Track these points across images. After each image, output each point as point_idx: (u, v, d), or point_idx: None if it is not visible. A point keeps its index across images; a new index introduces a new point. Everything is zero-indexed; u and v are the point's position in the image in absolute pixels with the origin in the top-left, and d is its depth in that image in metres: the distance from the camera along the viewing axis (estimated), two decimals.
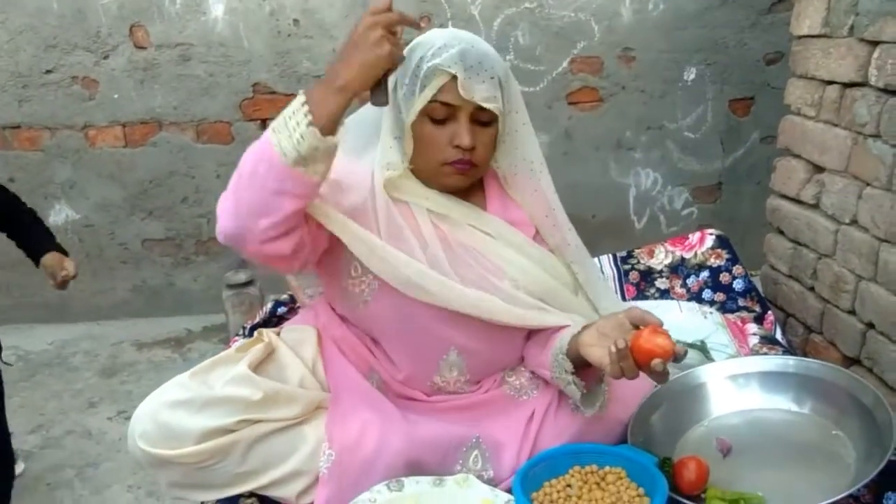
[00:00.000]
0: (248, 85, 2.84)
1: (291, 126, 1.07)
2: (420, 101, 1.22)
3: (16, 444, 2.26)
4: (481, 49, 1.24)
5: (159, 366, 2.74)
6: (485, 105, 1.21)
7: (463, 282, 1.29)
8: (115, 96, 2.81)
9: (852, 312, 1.67)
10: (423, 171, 1.30)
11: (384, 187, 1.28)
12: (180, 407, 1.17)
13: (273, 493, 1.25)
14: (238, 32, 2.78)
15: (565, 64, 2.96)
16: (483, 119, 1.24)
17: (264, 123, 2.89)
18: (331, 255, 1.30)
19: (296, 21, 2.78)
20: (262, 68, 2.82)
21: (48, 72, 2.76)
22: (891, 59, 1.50)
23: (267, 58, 2.81)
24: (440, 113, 1.23)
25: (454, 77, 1.20)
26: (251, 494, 1.24)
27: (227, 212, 1.14)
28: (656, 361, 1.08)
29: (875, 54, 1.56)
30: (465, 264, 1.31)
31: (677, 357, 1.08)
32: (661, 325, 1.12)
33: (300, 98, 1.09)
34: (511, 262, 1.34)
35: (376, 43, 1.07)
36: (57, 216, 2.93)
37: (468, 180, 1.31)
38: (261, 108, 2.87)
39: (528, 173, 1.36)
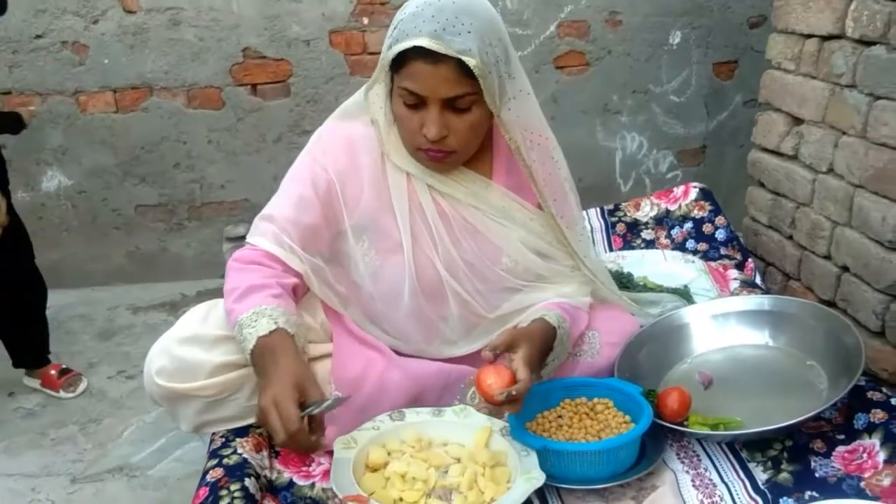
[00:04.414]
0: (237, 49, 2.85)
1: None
2: (394, 83, 1.21)
3: (19, 401, 2.32)
4: (462, 3, 1.16)
5: (155, 328, 2.78)
6: (462, 57, 1.12)
7: (459, 260, 1.33)
8: (106, 61, 2.81)
9: (828, 257, 1.75)
10: (406, 149, 1.29)
11: (385, 154, 1.30)
12: (194, 342, 1.23)
13: None
14: None
15: (552, 28, 2.99)
16: (460, 105, 1.19)
17: (255, 88, 2.91)
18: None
19: None
20: (252, 33, 2.83)
21: (38, 37, 2.75)
22: (866, 10, 1.56)
23: (256, 22, 2.82)
24: (410, 99, 1.19)
25: (423, 54, 1.13)
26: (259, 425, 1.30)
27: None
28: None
29: (851, 6, 1.62)
30: (462, 244, 1.33)
31: (494, 402, 1.15)
32: (512, 363, 1.18)
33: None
34: (511, 243, 1.35)
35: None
36: (49, 182, 2.94)
37: (447, 167, 1.29)
38: (251, 72, 2.89)
39: (531, 145, 1.31)
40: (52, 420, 2.22)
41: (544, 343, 1.28)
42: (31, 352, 2.36)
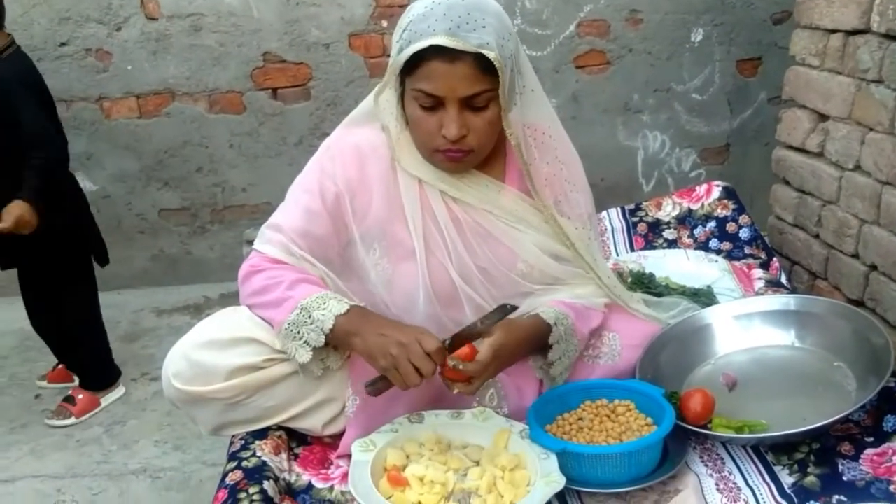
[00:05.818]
0: (258, 54, 2.88)
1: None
2: (406, 86, 1.20)
3: (45, 403, 2.35)
4: (470, 0, 1.15)
5: (179, 331, 2.77)
6: (482, 51, 1.11)
7: (473, 266, 1.31)
8: (129, 68, 2.86)
9: (856, 256, 1.71)
10: (420, 152, 1.28)
11: (396, 160, 1.29)
12: (211, 346, 1.23)
13: (299, 424, 1.31)
14: (247, 2, 2.81)
15: (572, 27, 2.97)
16: (477, 104, 1.17)
17: (275, 92, 2.94)
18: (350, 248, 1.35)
19: None
20: (272, 37, 2.86)
21: (62, 44, 2.80)
22: (892, 4, 1.53)
23: (276, 27, 2.84)
24: (426, 101, 1.18)
25: (439, 53, 1.12)
26: (279, 427, 1.31)
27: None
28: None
29: (877, 1, 1.58)
30: (476, 250, 1.31)
31: (445, 373, 1.18)
32: (476, 351, 1.18)
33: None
34: (526, 247, 1.33)
35: (396, 370, 1.14)
36: None
37: (465, 167, 1.28)
38: (271, 76, 2.91)
39: (532, 142, 1.29)
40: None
41: (530, 336, 1.27)
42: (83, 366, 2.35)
